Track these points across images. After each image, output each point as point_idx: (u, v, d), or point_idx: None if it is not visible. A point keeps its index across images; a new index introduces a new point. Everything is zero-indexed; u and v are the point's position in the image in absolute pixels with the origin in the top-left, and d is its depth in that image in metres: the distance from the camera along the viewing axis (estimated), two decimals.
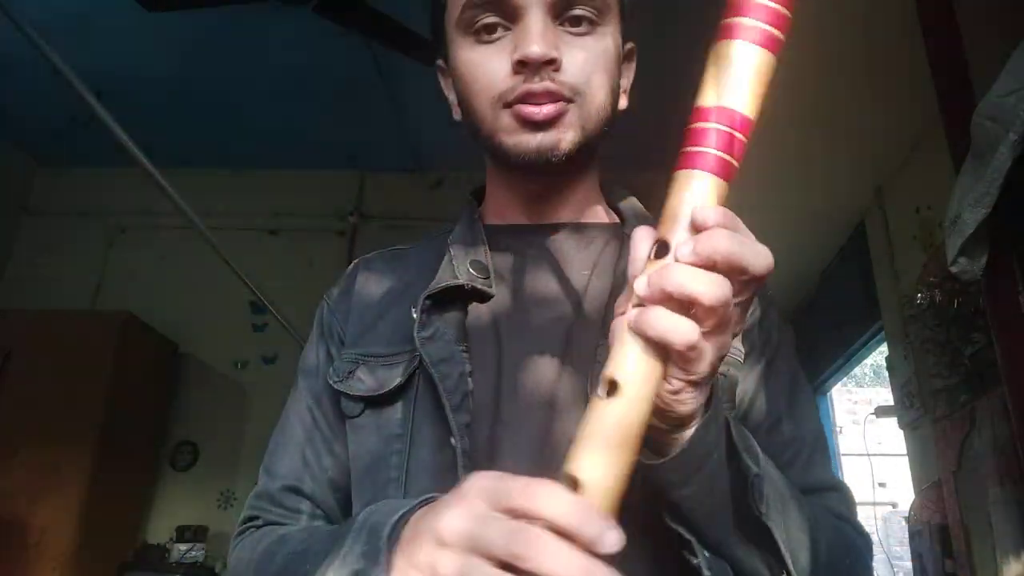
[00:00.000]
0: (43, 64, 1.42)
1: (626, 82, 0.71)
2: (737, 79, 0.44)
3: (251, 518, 0.68)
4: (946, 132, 1.15)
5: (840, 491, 0.65)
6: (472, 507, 0.41)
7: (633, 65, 0.73)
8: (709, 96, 0.44)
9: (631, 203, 0.74)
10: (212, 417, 3.51)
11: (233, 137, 3.70)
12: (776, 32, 0.44)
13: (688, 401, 0.46)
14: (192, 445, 3.50)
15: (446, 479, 0.56)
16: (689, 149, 0.44)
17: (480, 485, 0.42)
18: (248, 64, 3.14)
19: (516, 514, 0.39)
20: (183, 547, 3.07)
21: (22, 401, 2.99)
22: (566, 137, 0.61)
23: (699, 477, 0.49)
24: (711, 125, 0.43)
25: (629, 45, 0.71)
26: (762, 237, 0.61)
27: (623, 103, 0.70)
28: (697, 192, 0.43)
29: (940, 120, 1.18)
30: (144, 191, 2.37)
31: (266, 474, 0.69)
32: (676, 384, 0.45)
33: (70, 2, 2.76)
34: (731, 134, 0.43)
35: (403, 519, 0.47)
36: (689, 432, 0.48)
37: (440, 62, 0.71)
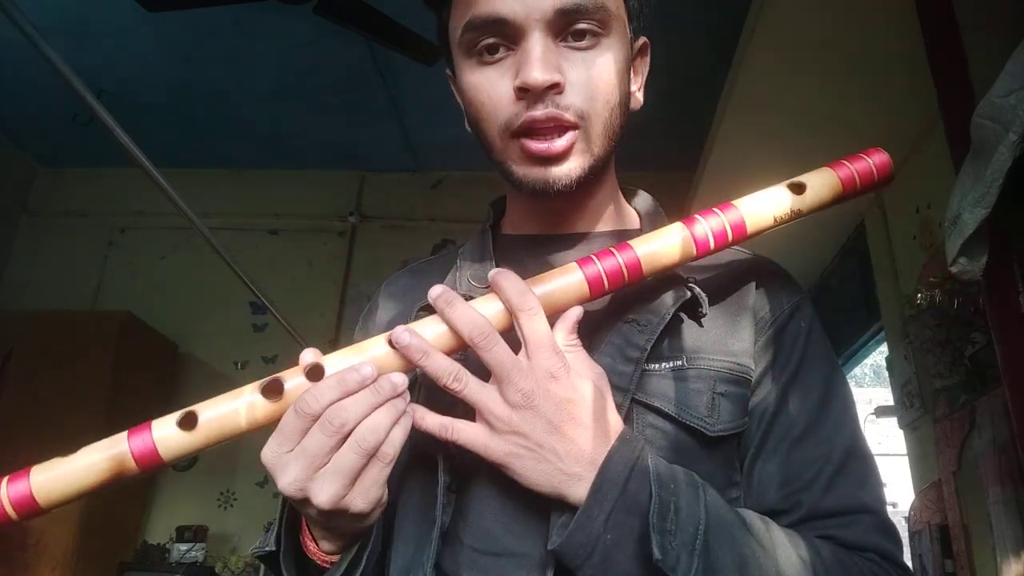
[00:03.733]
0: (43, 64, 1.41)
1: (640, 79, 0.70)
2: (659, 242, 0.58)
3: None
4: (946, 132, 1.15)
5: (873, 514, 0.58)
6: (279, 465, 0.51)
7: (647, 59, 0.71)
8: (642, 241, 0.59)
9: (644, 201, 0.74)
10: None
11: (233, 137, 3.70)
12: (709, 241, 0.59)
13: (521, 471, 0.51)
14: None
15: (428, 482, 0.59)
16: (594, 255, 0.57)
17: (267, 452, 0.52)
18: (248, 64, 3.14)
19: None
20: (183, 547, 3.07)
21: (22, 401, 2.99)
22: (575, 167, 0.61)
23: (591, 562, 0.50)
24: (618, 254, 0.57)
25: (641, 40, 0.69)
26: (763, 236, 0.61)
27: (638, 100, 0.69)
28: (558, 280, 0.55)
29: (940, 120, 1.18)
30: (144, 191, 2.37)
31: None
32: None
33: (70, 2, 2.76)
34: (619, 267, 0.56)
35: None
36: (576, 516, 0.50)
37: (448, 72, 0.72)
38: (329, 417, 0.49)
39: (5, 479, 0.50)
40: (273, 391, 0.51)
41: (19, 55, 2.75)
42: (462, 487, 0.59)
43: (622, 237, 0.69)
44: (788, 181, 0.61)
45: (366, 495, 0.50)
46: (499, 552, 0.56)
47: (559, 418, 0.51)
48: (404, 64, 2.63)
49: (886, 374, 2.54)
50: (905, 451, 2.39)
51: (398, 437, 0.51)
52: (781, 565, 0.52)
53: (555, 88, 0.59)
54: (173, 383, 3.52)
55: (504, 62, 0.61)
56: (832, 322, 3.17)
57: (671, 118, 2.88)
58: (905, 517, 2.31)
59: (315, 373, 0.52)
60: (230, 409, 0.51)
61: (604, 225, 0.71)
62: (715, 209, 0.59)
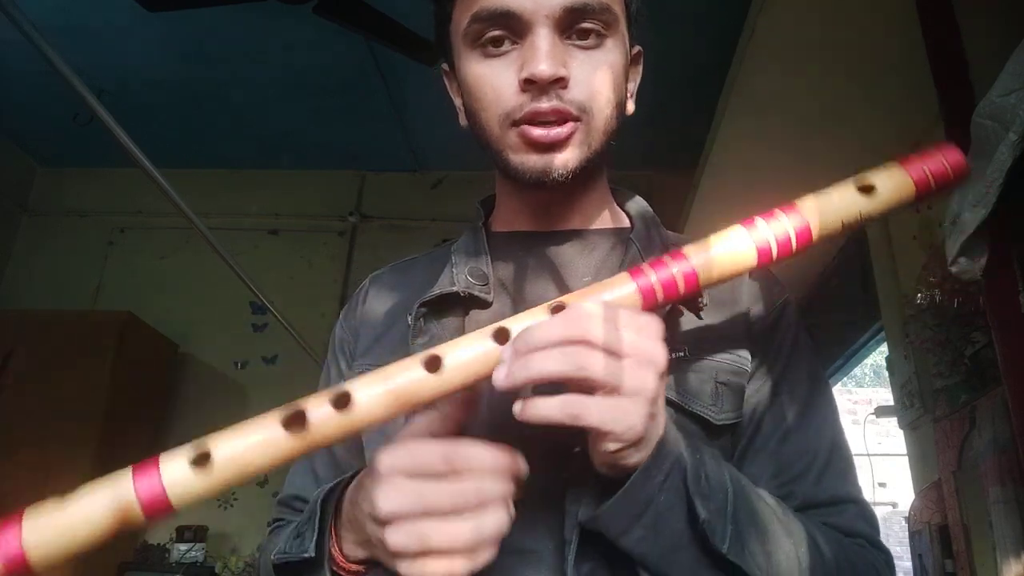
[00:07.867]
0: (43, 64, 1.42)
1: (633, 86, 0.71)
2: (717, 250, 0.51)
3: (274, 520, 0.73)
4: (946, 132, 1.15)
5: (858, 504, 0.62)
6: (393, 484, 0.46)
7: (640, 68, 0.73)
8: (694, 247, 0.51)
9: (637, 204, 0.75)
10: (212, 417, 3.48)
11: (233, 137, 3.70)
12: (772, 249, 0.51)
13: (631, 456, 0.48)
14: None
15: None
16: (647, 264, 0.51)
17: (390, 462, 0.47)
18: (248, 64, 3.14)
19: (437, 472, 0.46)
20: (183, 547, 3.07)
21: (22, 401, 2.99)
22: (572, 157, 0.62)
23: (642, 523, 0.49)
24: (672, 264, 0.50)
25: (636, 49, 0.71)
26: None
27: (630, 108, 0.70)
28: (608, 292, 0.49)
29: (940, 120, 1.18)
30: (144, 191, 2.37)
31: (287, 483, 0.74)
32: (613, 446, 0.46)
33: (70, 2, 2.76)
34: (673, 278, 0.50)
35: (333, 493, 0.55)
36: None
37: (445, 67, 0.72)
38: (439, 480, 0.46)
39: None
40: (296, 423, 0.45)
41: (19, 55, 2.75)
42: None
43: (617, 235, 0.71)
44: (855, 180, 0.54)
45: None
46: (508, 550, 0.56)
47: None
48: (404, 64, 2.63)
49: (886, 374, 2.54)
50: (905, 451, 2.39)
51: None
52: (795, 539, 0.53)
53: (560, 83, 0.60)
54: (173, 383, 3.53)
55: (509, 55, 0.62)
56: (832, 322, 3.17)
57: (671, 118, 2.88)
58: (905, 517, 2.32)
59: (341, 401, 0.45)
60: (248, 445, 0.44)
61: (598, 223, 0.72)
62: (777, 211, 0.52)
